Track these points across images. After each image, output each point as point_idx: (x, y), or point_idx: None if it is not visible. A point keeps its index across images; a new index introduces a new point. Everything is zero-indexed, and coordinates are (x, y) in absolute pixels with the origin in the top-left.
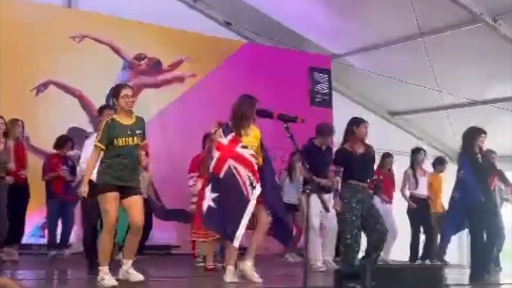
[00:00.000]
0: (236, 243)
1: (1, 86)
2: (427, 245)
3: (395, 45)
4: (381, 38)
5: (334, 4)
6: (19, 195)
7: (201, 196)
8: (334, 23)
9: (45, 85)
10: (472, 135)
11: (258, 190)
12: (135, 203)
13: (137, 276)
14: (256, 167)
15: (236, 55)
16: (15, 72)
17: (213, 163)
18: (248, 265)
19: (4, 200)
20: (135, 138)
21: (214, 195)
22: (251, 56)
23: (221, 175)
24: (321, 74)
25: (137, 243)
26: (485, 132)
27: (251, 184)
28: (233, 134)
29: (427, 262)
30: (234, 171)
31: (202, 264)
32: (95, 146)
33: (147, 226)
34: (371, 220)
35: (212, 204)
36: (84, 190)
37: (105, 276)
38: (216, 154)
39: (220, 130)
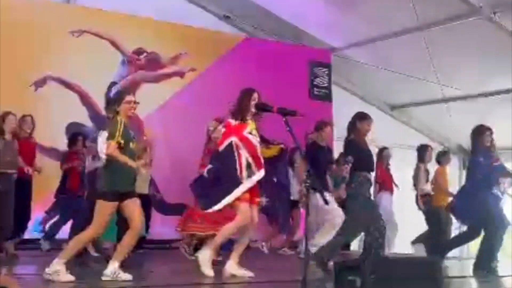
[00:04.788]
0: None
1: (1, 82)
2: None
3: (395, 38)
4: (381, 31)
5: None
6: (21, 190)
7: None
8: (334, 16)
9: (44, 81)
10: (478, 132)
11: (257, 176)
12: (134, 206)
13: (126, 276)
14: (259, 153)
15: (236, 50)
16: (15, 67)
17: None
18: (232, 264)
19: (11, 196)
20: (135, 141)
21: (210, 166)
22: (250, 50)
23: (221, 148)
24: (321, 68)
25: (133, 246)
26: (489, 129)
27: (249, 166)
28: (238, 122)
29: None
30: (235, 148)
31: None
32: (116, 144)
33: (146, 218)
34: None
35: (205, 173)
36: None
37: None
38: (222, 130)
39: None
